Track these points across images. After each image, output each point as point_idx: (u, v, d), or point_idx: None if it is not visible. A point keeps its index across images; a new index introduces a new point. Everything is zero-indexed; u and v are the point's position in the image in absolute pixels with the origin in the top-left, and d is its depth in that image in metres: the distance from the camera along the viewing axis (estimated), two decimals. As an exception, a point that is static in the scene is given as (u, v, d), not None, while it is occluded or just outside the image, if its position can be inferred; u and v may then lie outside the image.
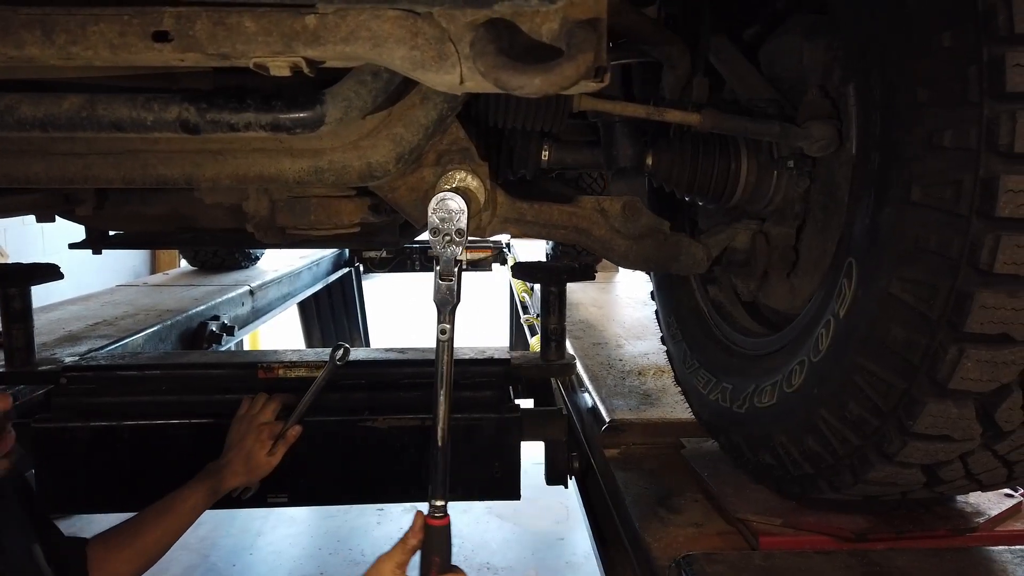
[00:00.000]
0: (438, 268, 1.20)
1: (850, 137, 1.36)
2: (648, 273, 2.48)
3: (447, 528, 1.25)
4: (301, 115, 0.97)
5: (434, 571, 1.24)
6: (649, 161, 1.67)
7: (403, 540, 1.28)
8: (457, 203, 1.21)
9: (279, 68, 0.84)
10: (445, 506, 1.25)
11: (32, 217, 1.97)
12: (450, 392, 1.23)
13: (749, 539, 1.57)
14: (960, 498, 1.62)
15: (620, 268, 5.41)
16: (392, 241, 1.91)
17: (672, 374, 2.71)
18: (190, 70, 1.11)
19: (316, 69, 0.88)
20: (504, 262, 6.30)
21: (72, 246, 2.07)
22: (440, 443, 1.24)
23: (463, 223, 1.20)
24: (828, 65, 1.50)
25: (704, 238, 1.69)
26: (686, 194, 1.72)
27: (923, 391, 1.19)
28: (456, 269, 1.20)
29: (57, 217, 1.96)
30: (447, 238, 1.19)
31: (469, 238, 1.22)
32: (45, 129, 0.94)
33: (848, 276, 1.29)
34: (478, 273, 7.46)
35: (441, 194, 1.22)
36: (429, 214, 1.21)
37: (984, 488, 1.43)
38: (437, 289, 1.20)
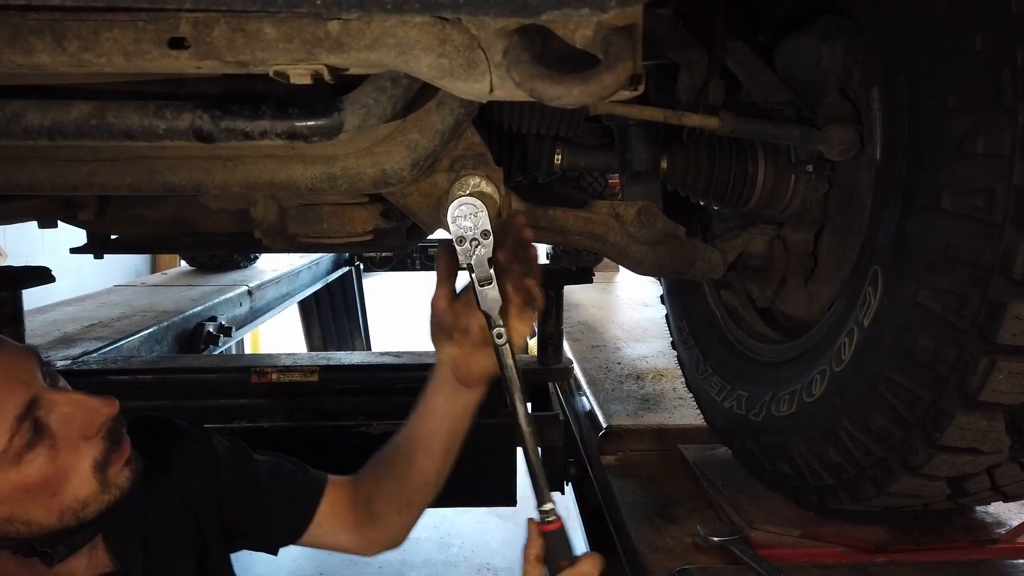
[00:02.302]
0: (474, 276, 1.15)
1: (874, 142, 1.33)
2: (658, 278, 2.45)
3: (562, 529, 1.21)
4: (319, 123, 0.93)
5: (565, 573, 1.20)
6: (664, 165, 1.64)
7: (526, 555, 1.22)
8: (475, 205, 1.17)
9: (300, 76, 0.80)
10: (554, 508, 1.21)
11: (32, 216, 1.93)
12: (525, 396, 1.18)
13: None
14: (979, 508, 1.60)
15: (621, 269, 5.39)
16: (400, 244, 1.88)
17: (667, 379, 2.71)
18: (201, 75, 1.07)
19: (337, 76, 0.84)
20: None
21: (74, 250, 2.04)
22: (529, 448, 1.20)
23: (485, 223, 1.16)
24: (847, 67, 1.47)
25: (719, 243, 1.66)
26: (701, 198, 1.69)
27: (952, 403, 1.17)
28: (492, 271, 1.16)
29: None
30: (474, 243, 1.15)
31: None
32: (52, 138, 0.90)
33: (873, 284, 1.26)
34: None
35: (455, 202, 1.19)
36: (449, 224, 1.17)
37: (1008, 499, 1.40)
38: (482, 297, 1.15)
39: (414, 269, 7.50)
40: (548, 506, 1.20)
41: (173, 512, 1.29)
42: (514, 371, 1.18)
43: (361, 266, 7.23)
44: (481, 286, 1.16)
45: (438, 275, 1.26)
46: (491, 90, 0.79)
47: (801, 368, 1.50)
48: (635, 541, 1.61)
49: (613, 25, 0.74)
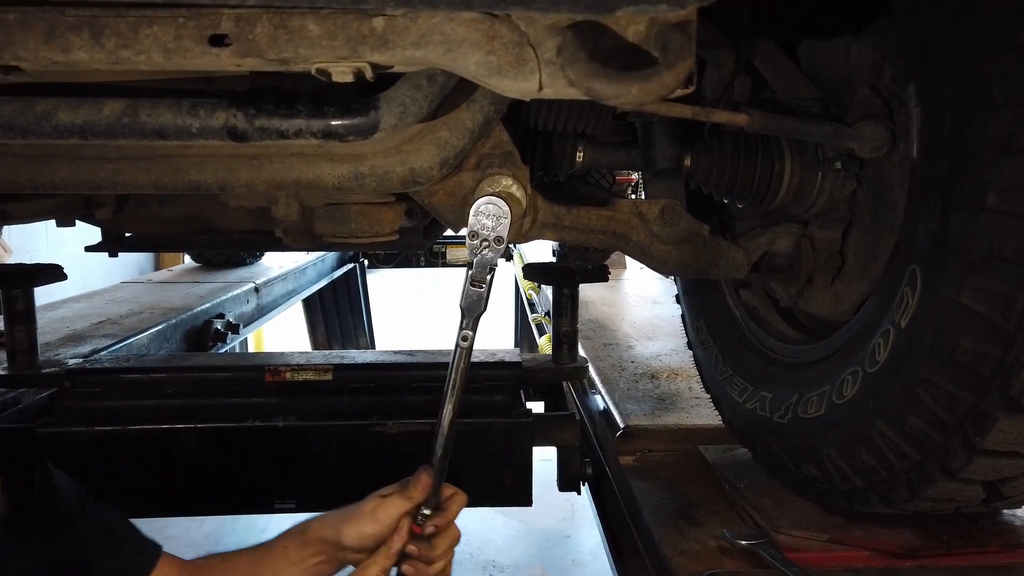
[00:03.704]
0: (470, 272, 1.14)
1: (910, 139, 1.30)
2: (681, 277, 2.42)
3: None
4: (355, 122, 0.91)
5: None
6: (688, 162, 1.61)
7: (389, 544, 1.21)
8: (501, 209, 1.16)
9: (342, 74, 0.78)
10: (431, 516, 1.21)
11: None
12: (459, 402, 1.17)
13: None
14: (1007, 512, 1.58)
15: (628, 265, 5.36)
16: (417, 243, 1.85)
17: (682, 378, 2.67)
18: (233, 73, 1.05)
19: (378, 75, 0.82)
20: (509, 258, 6.23)
21: (89, 249, 2.01)
22: (440, 454, 1.19)
23: (504, 230, 1.15)
24: (877, 63, 1.45)
25: (743, 242, 1.64)
26: (726, 196, 1.67)
27: (994, 406, 1.14)
28: (489, 277, 1.15)
29: (70, 219, 1.90)
30: (484, 244, 1.14)
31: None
32: (84, 137, 0.88)
33: (911, 284, 1.24)
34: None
35: (486, 198, 1.17)
36: (471, 217, 1.16)
37: (1042, 503, 1.39)
38: (466, 294, 1.14)
39: (419, 266, 7.47)
40: (429, 512, 1.21)
41: (22, 552, 1.22)
42: (459, 378, 1.18)
43: (366, 262, 7.20)
44: (472, 285, 1.16)
45: (390, 545, 1.22)
46: (540, 88, 0.77)
47: (830, 369, 1.48)
48: (659, 544, 1.58)
49: (668, 21, 0.71)
